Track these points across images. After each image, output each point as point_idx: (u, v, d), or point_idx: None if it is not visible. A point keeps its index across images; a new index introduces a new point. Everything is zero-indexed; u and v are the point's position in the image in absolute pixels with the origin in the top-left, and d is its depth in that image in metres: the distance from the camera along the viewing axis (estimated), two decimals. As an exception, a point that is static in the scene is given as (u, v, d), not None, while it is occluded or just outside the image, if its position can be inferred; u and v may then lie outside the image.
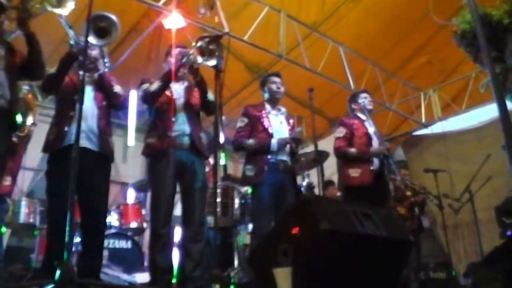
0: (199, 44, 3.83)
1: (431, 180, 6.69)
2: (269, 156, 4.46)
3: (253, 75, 8.44)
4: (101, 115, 3.87)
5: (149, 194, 6.39)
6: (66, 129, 3.72)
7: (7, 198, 5.39)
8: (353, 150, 4.94)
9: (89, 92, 3.82)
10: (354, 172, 4.86)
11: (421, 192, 6.54)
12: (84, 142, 3.58)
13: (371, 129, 5.11)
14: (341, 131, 5.10)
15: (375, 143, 5.06)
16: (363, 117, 5.18)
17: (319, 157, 5.08)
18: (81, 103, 3.01)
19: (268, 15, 7.08)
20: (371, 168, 4.86)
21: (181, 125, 4.11)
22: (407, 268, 3.21)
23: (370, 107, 5.23)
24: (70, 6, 3.59)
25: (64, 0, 3.58)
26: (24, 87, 5.08)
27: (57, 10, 3.58)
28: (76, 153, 2.85)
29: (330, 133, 9.64)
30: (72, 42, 3.71)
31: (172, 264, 4.03)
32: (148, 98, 4.18)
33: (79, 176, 2.88)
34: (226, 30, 6.42)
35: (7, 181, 5.22)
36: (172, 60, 4.24)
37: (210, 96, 4.15)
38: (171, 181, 4.01)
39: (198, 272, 3.89)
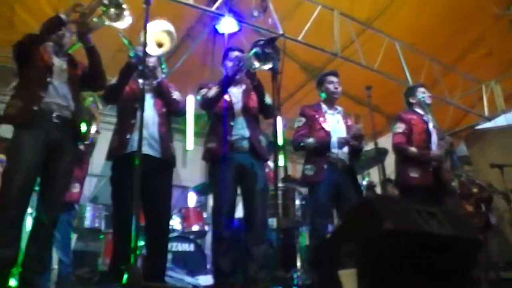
0: (254, 50, 3.84)
1: (497, 175, 6.47)
2: (328, 155, 4.44)
3: (308, 75, 8.42)
4: (161, 121, 3.94)
5: (209, 197, 6.53)
6: (128, 136, 3.81)
7: (75, 205, 5.58)
8: (413, 149, 4.82)
9: (149, 100, 3.89)
10: (414, 173, 4.74)
11: (488, 188, 6.33)
12: (146, 149, 3.64)
13: (430, 125, 4.99)
14: (400, 127, 4.99)
15: (435, 138, 4.94)
16: (421, 112, 5.07)
17: (379, 155, 4.98)
18: (142, 110, 3.08)
19: (321, 14, 7.03)
20: (430, 169, 4.75)
21: (240, 129, 4.13)
22: (476, 267, 3.11)
23: (429, 101, 5.11)
24: (127, 20, 3.69)
25: (122, 13, 3.68)
26: (89, 98, 5.23)
27: (115, 24, 3.69)
28: (139, 160, 2.90)
29: (388, 130, 9.49)
30: (130, 53, 3.79)
31: (235, 267, 4.05)
32: (206, 104, 4.22)
33: (142, 182, 2.95)
34: (280, 31, 6.42)
35: (76, 188, 5.41)
36: (229, 63, 4.27)
37: (268, 99, 4.15)
38: (231, 184, 4.04)
39: (261, 274, 3.89)
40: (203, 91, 4.25)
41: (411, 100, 5.19)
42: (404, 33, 7.84)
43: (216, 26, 6.80)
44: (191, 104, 7.75)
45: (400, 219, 2.59)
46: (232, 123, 4.12)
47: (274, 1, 6.69)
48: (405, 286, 2.48)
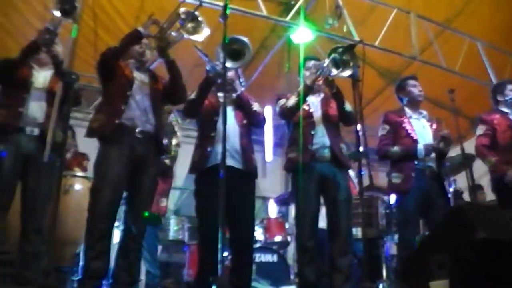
0: (332, 56, 3.81)
1: None
2: (415, 162, 4.32)
3: (386, 80, 8.27)
4: (242, 133, 3.96)
5: (290, 207, 6.51)
6: (209, 149, 3.84)
7: (162, 218, 5.72)
8: (491, 159, 4.60)
9: (229, 112, 3.91)
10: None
11: None
12: (229, 161, 3.66)
13: None
14: (481, 128, 4.79)
15: None
16: (506, 110, 4.83)
17: (466, 160, 4.80)
18: (225, 123, 3.10)
19: (396, 17, 6.92)
20: None
21: (321, 138, 4.08)
22: None
23: None
24: (205, 32, 3.76)
25: (199, 26, 3.75)
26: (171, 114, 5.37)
27: (193, 37, 3.76)
28: (223, 172, 2.93)
29: (473, 134, 9.16)
30: (208, 68, 3.85)
31: (320, 277, 4.01)
32: (286, 114, 4.22)
33: (226, 194, 2.97)
34: (357, 38, 6.36)
35: (163, 202, 5.54)
36: (307, 73, 4.26)
37: (348, 106, 4.10)
38: (314, 194, 4.00)
39: (348, 285, 3.82)
40: (282, 101, 4.25)
41: (499, 98, 4.94)
42: (483, 31, 7.57)
43: (291, 36, 6.80)
44: (269, 115, 7.80)
45: (494, 228, 2.49)
46: (312, 132, 4.08)
47: (348, 7, 6.65)
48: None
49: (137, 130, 3.58)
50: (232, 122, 3.91)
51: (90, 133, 3.59)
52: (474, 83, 7.69)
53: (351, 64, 3.64)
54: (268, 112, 7.62)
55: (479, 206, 3.41)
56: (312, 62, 4.31)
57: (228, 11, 3.34)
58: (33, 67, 3.92)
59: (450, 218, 2.74)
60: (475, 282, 2.38)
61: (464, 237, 2.47)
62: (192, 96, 3.98)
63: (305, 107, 4.16)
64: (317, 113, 4.18)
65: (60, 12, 3.53)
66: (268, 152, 8.74)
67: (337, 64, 3.79)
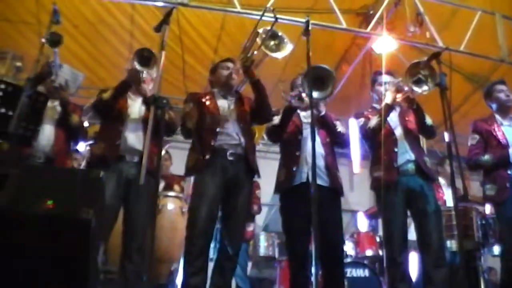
0: (411, 77, 3.77)
1: None
2: (509, 172, 4.15)
3: (473, 84, 7.98)
4: (327, 151, 3.98)
5: (380, 220, 6.40)
6: (294, 169, 3.89)
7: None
8: None
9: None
10: None
11: None
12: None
13: None
14: None
15: None
16: None
17: None
18: (313, 144, 3.09)
19: (481, 20, 6.69)
20: None
21: (404, 153, 4.04)
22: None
23: None
24: (289, 48, 3.80)
25: (282, 43, 3.80)
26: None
27: (275, 54, 3.81)
28: (315, 190, 2.95)
29: None
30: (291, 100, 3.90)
31: None
32: (369, 135, 4.20)
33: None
34: (440, 44, 6.21)
35: (250, 227, 5.63)
36: (381, 88, 4.21)
37: (429, 120, 4.05)
38: (401, 208, 3.96)
39: None
40: (361, 121, 4.24)
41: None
42: None
43: (372, 46, 6.72)
44: (354, 127, 7.72)
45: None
46: (395, 150, 4.05)
47: (429, 13, 6.51)
48: None
49: (228, 153, 3.69)
50: (317, 141, 3.93)
51: (189, 172, 3.84)
52: None
53: (430, 78, 3.58)
54: (353, 125, 7.55)
55: None
56: (388, 78, 4.26)
57: (310, 27, 3.35)
58: (129, 96, 4.12)
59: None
60: None
61: None
62: (276, 121, 4.03)
63: (386, 125, 4.12)
64: (398, 130, 4.15)
65: (140, 64, 3.77)
66: (356, 164, 8.65)
67: (419, 82, 3.74)
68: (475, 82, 7.91)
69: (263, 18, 3.84)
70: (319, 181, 3.78)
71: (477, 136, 4.42)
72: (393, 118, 4.20)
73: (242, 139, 3.78)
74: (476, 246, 5.01)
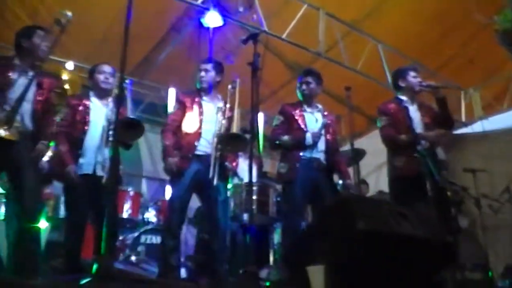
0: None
1: (471, 180, 6.59)
2: (301, 154, 4.48)
3: (293, 73, 8.41)
4: None
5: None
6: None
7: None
8: (403, 136, 4.50)
9: None
10: (399, 162, 4.50)
11: (461, 193, 6.39)
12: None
13: (412, 109, 4.71)
14: (382, 120, 4.73)
15: (418, 122, 4.65)
16: (404, 97, 4.76)
17: (356, 155, 5.00)
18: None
19: (307, 13, 7.02)
20: (415, 156, 4.40)
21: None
22: (444, 268, 3.16)
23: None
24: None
25: None
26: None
27: None
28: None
29: (369, 131, 9.55)
30: None
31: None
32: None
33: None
34: (265, 28, 6.42)
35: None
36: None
37: None
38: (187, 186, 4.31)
39: (223, 267, 4.13)
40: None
41: (400, 83, 4.84)
42: (390, 36, 7.86)
43: (201, 20, 6.74)
44: (172, 97, 7.70)
45: (373, 220, 2.62)
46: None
47: (263, -2, 6.68)
48: (373, 284, 2.51)
49: None
50: None
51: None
52: (375, 84, 8.01)
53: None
54: (172, 94, 7.50)
55: (362, 199, 3.58)
56: None
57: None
58: None
59: (334, 208, 2.86)
60: (350, 268, 2.51)
61: (345, 227, 2.59)
62: None
63: None
64: None
65: None
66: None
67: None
68: (295, 70, 8.33)
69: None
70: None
71: (281, 118, 4.71)
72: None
73: None
74: (269, 221, 5.33)
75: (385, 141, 4.68)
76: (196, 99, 4.46)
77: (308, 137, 4.50)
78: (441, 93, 4.50)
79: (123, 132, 3.98)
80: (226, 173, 4.44)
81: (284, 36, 6.84)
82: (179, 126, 4.43)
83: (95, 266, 2.48)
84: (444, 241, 3.01)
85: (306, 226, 4.60)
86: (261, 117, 8.27)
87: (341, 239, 2.59)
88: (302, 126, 4.61)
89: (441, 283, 3.19)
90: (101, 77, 4.41)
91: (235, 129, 4.21)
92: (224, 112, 4.42)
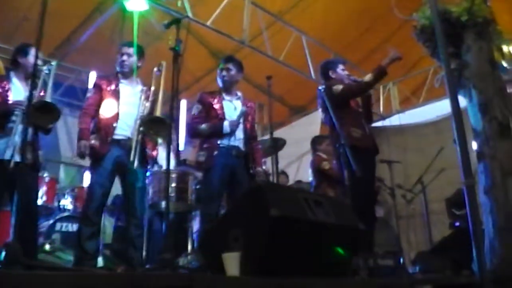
0: None
1: (387, 171, 6.86)
2: (219, 142, 4.51)
3: (217, 60, 8.37)
4: None
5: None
6: None
7: None
8: None
9: None
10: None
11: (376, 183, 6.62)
12: None
13: None
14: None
15: None
16: None
17: (275, 144, 5.06)
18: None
19: (232, 1, 7.01)
20: None
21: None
22: (358, 255, 3.28)
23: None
24: None
25: None
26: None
27: None
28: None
29: (290, 121, 9.72)
30: None
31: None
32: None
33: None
34: (190, 15, 6.37)
35: None
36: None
37: None
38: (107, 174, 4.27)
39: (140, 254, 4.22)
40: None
41: (331, 74, 4.93)
42: (315, 28, 8.03)
43: (124, 3, 6.59)
44: (92, 80, 7.51)
45: (286, 207, 2.66)
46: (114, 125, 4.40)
47: (188, -17, 6.61)
48: (288, 271, 2.56)
49: None
50: None
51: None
52: (298, 74, 8.15)
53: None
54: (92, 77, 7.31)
55: (276, 186, 3.63)
56: None
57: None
58: None
59: (248, 195, 2.88)
60: (264, 255, 2.54)
61: (259, 214, 2.62)
62: None
63: None
64: None
65: None
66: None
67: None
68: (219, 58, 8.30)
69: None
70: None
71: (200, 106, 4.70)
72: None
73: None
74: (187, 208, 5.32)
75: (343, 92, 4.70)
76: (114, 82, 4.39)
77: (226, 126, 4.52)
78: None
79: (38, 115, 3.84)
80: (146, 159, 4.39)
81: (208, 23, 6.82)
82: (97, 110, 4.35)
83: (2, 254, 2.40)
84: (357, 228, 3.10)
85: (222, 213, 4.63)
86: (184, 104, 8.24)
87: (255, 226, 2.62)
88: (220, 114, 4.61)
89: (353, 269, 3.30)
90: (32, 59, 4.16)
91: (158, 113, 4.16)
92: (147, 95, 4.37)
